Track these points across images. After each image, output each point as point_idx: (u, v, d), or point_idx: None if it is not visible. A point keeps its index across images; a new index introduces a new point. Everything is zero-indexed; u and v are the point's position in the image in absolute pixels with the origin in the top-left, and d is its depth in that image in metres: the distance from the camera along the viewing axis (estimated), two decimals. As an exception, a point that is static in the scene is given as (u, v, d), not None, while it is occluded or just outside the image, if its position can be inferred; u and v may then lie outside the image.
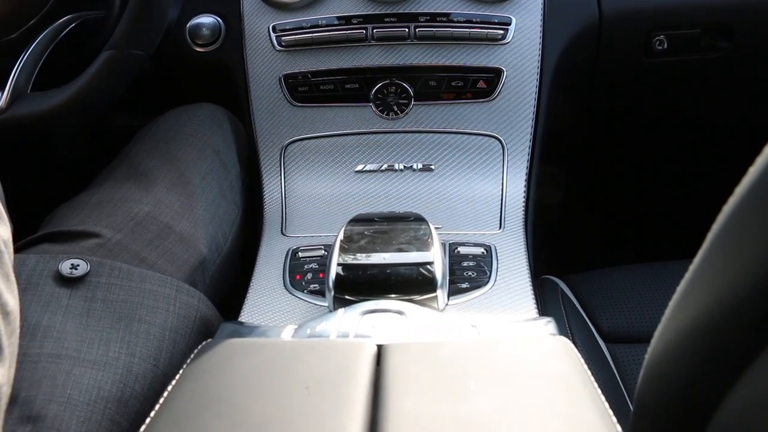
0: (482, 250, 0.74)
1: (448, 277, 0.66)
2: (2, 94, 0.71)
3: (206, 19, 0.90)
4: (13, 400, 0.51)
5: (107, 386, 0.55)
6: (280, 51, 0.86)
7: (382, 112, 0.85)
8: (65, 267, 0.61)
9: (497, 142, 0.84)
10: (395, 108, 0.85)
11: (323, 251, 0.75)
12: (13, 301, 0.37)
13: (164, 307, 0.63)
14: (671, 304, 0.36)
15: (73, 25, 0.76)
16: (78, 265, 0.62)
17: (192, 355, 0.51)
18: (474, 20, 0.84)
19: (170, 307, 0.63)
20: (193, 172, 0.79)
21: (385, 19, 0.85)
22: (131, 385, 0.56)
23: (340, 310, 0.57)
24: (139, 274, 0.64)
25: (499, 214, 0.80)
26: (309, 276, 0.72)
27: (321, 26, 0.85)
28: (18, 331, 0.38)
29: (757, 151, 0.30)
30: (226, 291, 0.78)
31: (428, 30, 0.84)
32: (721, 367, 0.33)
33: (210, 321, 0.67)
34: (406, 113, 0.85)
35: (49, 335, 0.56)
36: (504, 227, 0.79)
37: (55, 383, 0.53)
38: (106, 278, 0.62)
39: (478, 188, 0.83)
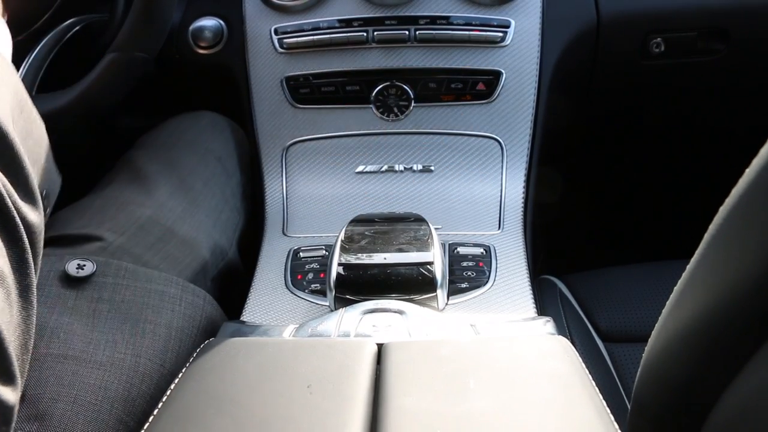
0: (481, 250, 0.74)
1: (447, 277, 0.66)
2: (6, 96, 0.71)
3: (209, 22, 0.91)
4: (20, 398, 0.52)
5: (113, 386, 0.55)
6: (281, 53, 0.87)
7: (382, 113, 0.86)
8: (71, 267, 0.61)
9: (496, 143, 0.85)
10: (395, 110, 0.86)
11: (324, 251, 0.75)
12: (31, 302, 0.36)
13: (170, 307, 0.63)
14: (668, 303, 0.37)
15: (78, 28, 0.76)
16: (84, 266, 0.62)
17: (194, 354, 0.52)
18: (473, 23, 0.84)
19: (176, 307, 0.63)
20: (195, 178, 0.79)
21: (386, 22, 0.85)
22: (138, 385, 0.57)
23: (341, 310, 0.58)
24: (144, 274, 0.64)
25: (498, 215, 0.81)
26: (310, 276, 0.72)
27: (322, 29, 0.86)
28: (32, 343, 0.37)
29: (754, 153, 0.30)
30: (228, 294, 0.78)
31: (428, 33, 0.84)
32: (717, 366, 0.33)
33: (215, 320, 0.68)
34: (407, 115, 0.86)
35: (56, 336, 0.57)
36: (503, 228, 0.79)
37: (61, 383, 0.54)
38: (112, 278, 0.62)
39: (478, 189, 0.83)
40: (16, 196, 0.36)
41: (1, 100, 0.37)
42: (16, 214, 0.35)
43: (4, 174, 0.35)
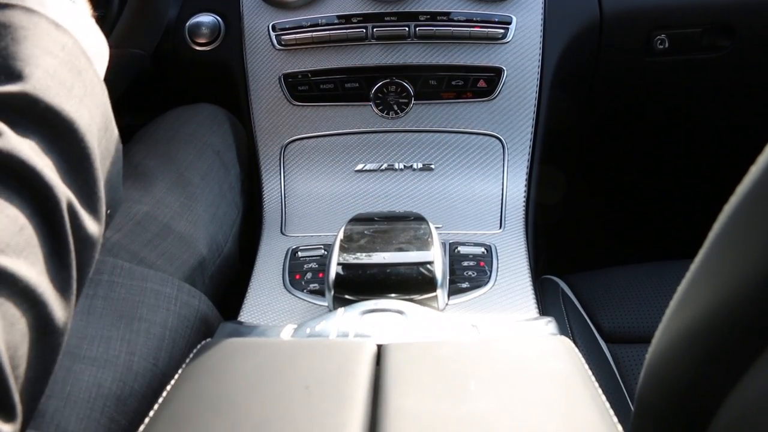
0: (482, 249, 0.74)
1: (448, 277, 0.66)
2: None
3: (206, 18, 0.90)
4: None
5: (107, 384, 0.55)
6: (279, 50, 0.86)
7: (382, 111, 0.85)
8: None
9: (497, 141, 0.84)
10: (395, 107, 0.85)
11: (323, 251, 0.75)
12: (61, 321, 0.35)
13: (165, 306, 0.63)
14: (672, 303, 0.36)
15: (73, 24, 0.76)
16: None
17: (191, 355, 0.51)
18: (474, 19, 0.84)
19: (171, 307, 0.63)
20: (192, 173, 0.79)
21: (385, 18, 0.85)
22: (131, 384, 0.56)
23: (340, 310, 0.57)
24: (140, 272, 0.64)
25: (499, 214, 0.80)
26: (309, 275, 0.72)
27: (321, 25, 0.85)
28: (56, 363, 0.36)
29: (759, 151, 0.29)
30: (225, 291, 0.78)
31: (428, 29, 0.84)
32: (722, 367, 0.33)
33: (210, 321, 0.67)
34: (406, 112, 0.85)
35: None
36: (504, 227, 0.79)
37: (54, 379, 0.53)
38: (107, 276, 0.62)
39: (479, 188, 0.83)
40: (82, 212, 0.35)
41: (92, 120, 0.37)
42: (68, 231, 0.34)
43: (76, 193, 0.35)
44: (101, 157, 0.38)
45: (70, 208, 0.34)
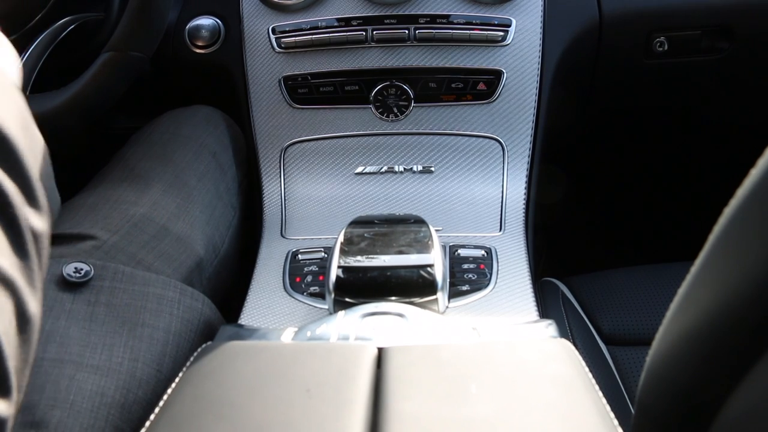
0: (483, 252, 0.73)
1: (448, 280, 0.66)
2: (1, 96, 0.71)
3: (206, 21, 0.90)
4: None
5: (110, 392, 0.55)
6: (279, 53, 0.86)
7: (382, 114, 0.85)
8: (68, 271, 0.61)
9: (497, 144, 0.84)
10: (395, 110, 0.85)
11: (323, 253, 0.75)
12: (35, 313, 0.35)
13: (168, 310, 0.63)
14: (673, 306, 0.36)
15: (73, 26, 0.76)
16: (81, 269, 0.61)
17: (192, 358, 0.51)
18: (474, 22, 0.84)
19: (174, 311, 0.63)
20: (189, 174, 0.78)
21: (385, 21, 0.85)
22: (135, 391, 0.56)
23: (341, 313, 0.57)
24: (142, 277, 0.64)
25: (499, 216, 0.80)
26: (309, 278, 0.72)
27: (321, 28, 0.85)
28: (33, 355, 0.37)
29: (758, 153, 0.30)
30: (224, 293, 0.77)
31: (428, 32, 0.84)
32: (723, 370, 0.33)
33: (214, 324, 0.67)
34: (406, 115, 0.85)
35: (52, 340, 0.56)
36: (504, 229, 0.79)
37: (58, 388, 0.53)
38: (109, 282, 0.62)
39: (479, 190, 0.83)
40: (26, 206, 0.35)
41: (10, 118, 0.37)
42: (23, 223, 0.35)
43: (13, 183, 0.35)
44: (26, 156, 0.38)
45: (20, 201, 0.35)
